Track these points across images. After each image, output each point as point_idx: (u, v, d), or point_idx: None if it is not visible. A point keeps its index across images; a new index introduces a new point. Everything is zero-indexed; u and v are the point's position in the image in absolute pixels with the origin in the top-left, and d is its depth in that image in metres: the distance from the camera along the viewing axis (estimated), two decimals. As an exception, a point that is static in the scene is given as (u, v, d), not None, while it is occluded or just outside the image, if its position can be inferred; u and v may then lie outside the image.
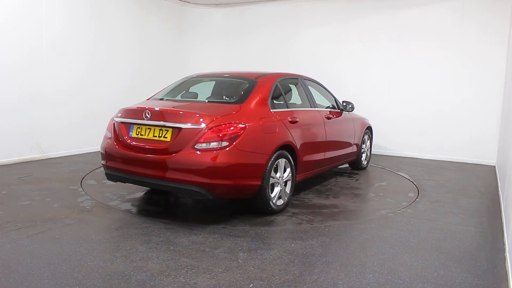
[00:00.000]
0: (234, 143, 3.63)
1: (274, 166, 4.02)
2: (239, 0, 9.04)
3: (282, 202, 4.19)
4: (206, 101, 4.45)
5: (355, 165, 6.43)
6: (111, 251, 3.10)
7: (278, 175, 4.10)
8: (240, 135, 3.68)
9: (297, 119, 4.48)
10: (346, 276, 2.80)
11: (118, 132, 4.07)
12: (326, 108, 5.51)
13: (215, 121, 3.66)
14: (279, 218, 4.00)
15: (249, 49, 9.21)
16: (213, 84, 4.95)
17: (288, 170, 4.25)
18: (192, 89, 4.85)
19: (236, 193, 3.85)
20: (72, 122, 7.00)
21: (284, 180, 4.21)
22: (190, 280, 2.67)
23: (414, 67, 7.74)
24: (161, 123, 3.80)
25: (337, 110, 5.63)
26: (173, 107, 4.06)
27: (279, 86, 4.60)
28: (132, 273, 2.75)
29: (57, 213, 3.96)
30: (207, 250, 3.18)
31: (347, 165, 6.61)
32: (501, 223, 4.03)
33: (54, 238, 3.33)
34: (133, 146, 3.90)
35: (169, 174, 3.65)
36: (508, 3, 6.93)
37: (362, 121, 6.38)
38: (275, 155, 3.98)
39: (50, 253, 3.03)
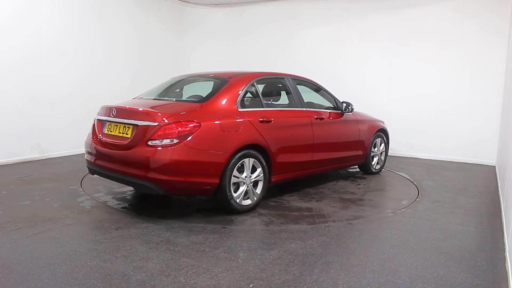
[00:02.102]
0: (184, 140, 3.69)
1: (239, 165, 4.03)
2: (239, 0, 9.04)
3: (250, 202, 4.17)
4: (174, 100, 4.49)
5: (364, 169, 6.19)
6: (111, 251, 3.11)
7: (244, 175, 4.09)
8: (192, 133, 3.74)
9: (271, 119, 4.42)
10: (346, 276, 2.80)
11: (96, 128, 4.34)
12: (325, 109, 5.38)
13: (168, 119, 3.77)
14: (240, 218, 3.98)
15: (249, 49, 9.21)
16: (190, 84, 4.96)
17: (259, 170, 4.23)
18: (173, 89, 4.88)
19: (189, 190, 3.93)
20: (72, 122, 7.00)
21: (253, 180, 4.19)
22: (190, 280, 2.67)
23: (414, 67, 7.74)
24: (123, 120, 4.00)
25: (335, 111, 5.46)
26: (139, 106, 4.17)
27: (256, 86, 4.58)
28: (132, 273, 2.75)
29: (57, 213, 3.96)
30: (207, 250, 3.18)
31: (357, 169, 6.43)
32: (501, 223, 4.03)
33: (54, 238, 3.34)
34: (104, 142, 4.13)
35: (126, 169, 3.84)
36: (508, 3, 6.93)
37: (372, 123, 6.12)
38: (239, 154, 3.99)
39: (50, 253, 3.03)
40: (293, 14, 8.74)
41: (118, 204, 4.38)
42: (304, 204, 4.53)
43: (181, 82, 5.02)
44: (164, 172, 3.66)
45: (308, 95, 5.46)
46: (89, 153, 4.35)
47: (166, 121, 3.75)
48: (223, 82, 4.42)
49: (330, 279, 2.75)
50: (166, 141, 3.69)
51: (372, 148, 6.12)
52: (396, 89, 7.93)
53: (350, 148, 5.67)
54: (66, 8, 6.78)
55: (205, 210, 4.24)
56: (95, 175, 4.40)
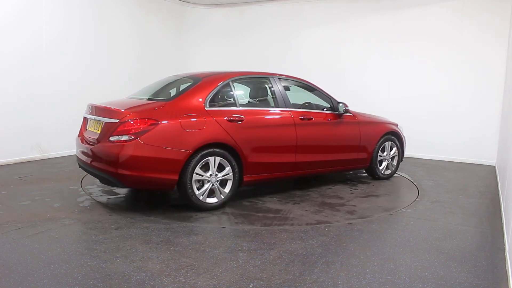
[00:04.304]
0: (140, 137, 3.85)
1: (204, 163, 4.09)
2: (239, 0, 9.04)
3: (216, 200, 4.21)
4: (146, 98, 4.57)
5: (371, 173, 5.87)
6: (111, 251, 3.11)
7: (209, 173, 4.13)
8: (149, 130, 3.88)
9: (243, 118, 4.40)
10: (346, 276, 2.80)
11: (82, 125, 4.65)
12: (322, 110, 5.22)
13: (128, 117, 3.95)
14: (200, 215, 4.01)
15: (249, 49, 9.21)
16: (176, 84, 4.94)
17: (227, 169, 4.24)
18: (160, 89, 4.85)
19: (147, 185, 4.08)
20: (72, 122, 6.95)
21: (221, 179, 4.22)
22: (190, 280, 2.67)
23: (414, 67, 7.74)
24: (96, 117, 4.28)
25: (330, 112, 5.23)
26: (111, 104, 4.38)
27: (231, 85, 4.57)
28: (132, 273, 2.75)
29: (57, 213, 3.96)
30: (207, 250, 3.18)
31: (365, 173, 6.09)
32: (501, 223, 4.03)
33: (54, 238, 3.34)
34: (85, 138, 4.40)
35: (94, 163, 4.14)
36: (508, 3, 6.93)
37: (379, 125, 5.79)
38: (202, 152, 4.05)
39: (50, 253, 3.03)
40: (293, 14, 8.74)
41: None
42: (277, 206, 4.43)
43: (168, 82, 5.02)
44: (122, 167, 3.85)
45: (306, 96, 5.40)
46: (77, 148, 4.61)
47: (126, 118, 3.94)
48: (195, 81, 4.50)
49: (330, 279, 2.75)
50: (124, 137, 3.88)
51: (380, 152, 5.76)
52: (396, 89, 7.93)
53: (348, 150, 5.40)
54: (66, 8, 6.78)
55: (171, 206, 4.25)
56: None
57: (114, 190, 4.85)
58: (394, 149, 5.97)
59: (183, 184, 4.00)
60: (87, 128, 4.45)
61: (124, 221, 3.80)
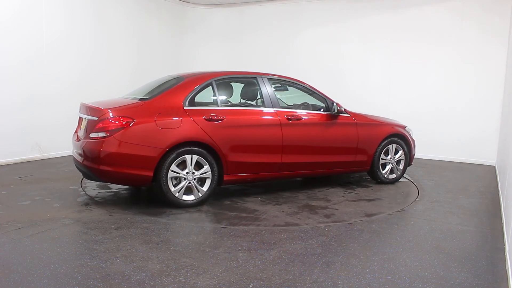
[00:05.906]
0: (115, 134, 4.00)
1: (181, 161, 4.17)
2: (239, 0, 9.04)
3: (193, 198, 4.27)
4: (135, 97, 4.63)
5: (373, 177, 5.62)
6: (111, 251, 3.11)
7: (186, 171, 4.20)
8: (124, 127, 4.02)
9: (223, 118, 4.41)
10: (346, 276, 2.80)
11: (78, 125, 4.76)
12: (319, 110, 5.10)
13: (105, 115, 4.11)
14: (175, 211, 4.11)
15: (249, 49, 9.21)
16: (164, 83, 4.89)
17: (205, 167, 4.28)
18: (153, 88, 4.80)
19: (124, 180, 4.26)
20: (72, 122, 6.95)
21: (198, 177, 4.27)
22: (190, 280, 2.67)
23: (414, 67, 7.74)
24: (84, 115, 4.46)
25: (323, 113, 5.10)
26: (98, 103, 4.49)
27: (213, 85, 4.60)
28: (132, 273, 2.75)
29: (57, 213, 3.96)
30: (207, 250, 3.18)
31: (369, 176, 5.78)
32: (501, 223, 4.03)
33: (54, 238, 3.34)
34: (78, 136, 4.54)
35: (78, 158, 4.33)
36: (508, 3, 6.93)
37: (382, 127, 5.52)
38: (178, 150, 4.13)
39: (50, 253, 3.03)
40: (293, 14, 8.74)
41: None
42: (256, 206, 4.39)
43: (162, 82, 4.95)
44: (99, 162, 4.03)
45: (305, 97, 5.34)
46: (72, 147, 4.73)
47: (104, 116, 4.10)
48: (178, 81, 4.59)
49: (330, 279, 2.75)
50: (101, 134, 4.05)
51: (383, 155, 5.49)
52: (396, 89, 7.93)
53: (344, 152, 5.22)
54: (66, 9, 6.78)
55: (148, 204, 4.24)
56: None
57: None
58: (400, 152, 5.64)
59: (157, 180, 4.10)
60: (81, 127, 4.56)
61: (124, 221, 3.80)
